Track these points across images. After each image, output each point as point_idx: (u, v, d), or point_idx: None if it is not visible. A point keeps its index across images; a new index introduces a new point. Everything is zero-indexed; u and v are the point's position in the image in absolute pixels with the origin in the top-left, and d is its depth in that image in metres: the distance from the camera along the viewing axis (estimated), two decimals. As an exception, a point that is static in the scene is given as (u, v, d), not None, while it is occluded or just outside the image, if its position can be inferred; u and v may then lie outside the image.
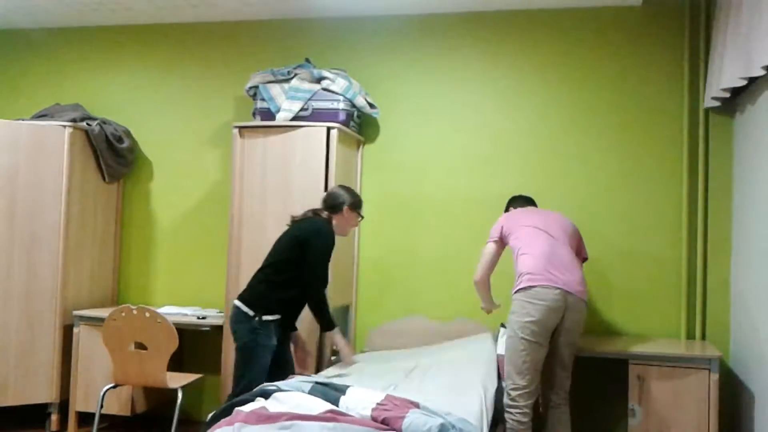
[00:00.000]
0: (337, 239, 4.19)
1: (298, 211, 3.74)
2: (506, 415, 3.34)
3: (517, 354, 3.33)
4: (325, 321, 3.55)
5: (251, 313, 3.45)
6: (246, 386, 3.27)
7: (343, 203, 3.66)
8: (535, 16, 4.42)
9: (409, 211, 4.55)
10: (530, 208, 3.82)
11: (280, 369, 3.53)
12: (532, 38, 4.42)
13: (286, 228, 3.66)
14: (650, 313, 4.16)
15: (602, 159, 4.28)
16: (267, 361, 3.45)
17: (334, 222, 3.65)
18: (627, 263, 4.20)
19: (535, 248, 3.45)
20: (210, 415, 2.74)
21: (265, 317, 3.45)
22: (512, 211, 3.84)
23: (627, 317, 4.18)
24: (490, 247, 3.66)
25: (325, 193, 3.80)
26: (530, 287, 3.34)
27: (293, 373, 3.59)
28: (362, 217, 3.79)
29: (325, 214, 3.66)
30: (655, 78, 4.23)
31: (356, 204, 3.72)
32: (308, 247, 3.48)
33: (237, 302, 3.53)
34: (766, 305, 3.29)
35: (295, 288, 3.51)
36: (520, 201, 3.93)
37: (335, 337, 3.63)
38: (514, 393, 3.33)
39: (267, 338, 3.45)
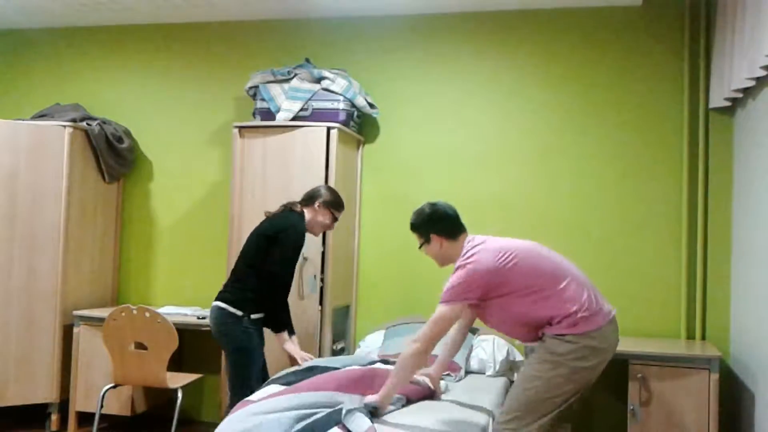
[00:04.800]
0: (334, 240, 4.17)
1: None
2: None
3: (551, 392, 2.67)
4: (280, 323, 3.42)
5: (239, 313, 3.32)
6: (248, 389, 3.20)
7: (317, 197, 3.52)
8: (534, 16, 4.42)
9: (409, 211, 4.51)
10: (495, 237, 2.88)
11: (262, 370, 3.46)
12: (532, 38, 4.42)
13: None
14: (650, 313, 4.16)
15: (602, 159, 4.28)
16: (262, 360, 3.40)
17: (307, 216, 3.51)
18: (627, 263, 4.20)
19: (567, 271, 2.76)
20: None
21: (254, 316, 3.36)
22: (478, 241, 2.84)
23: (627, 317, 4.18)
24: (456, 312, 2.74)
25: None
26: (598, 328, 2.69)
27: (267, 374, 3.49)
28: (335, 219, 3.57)
29: (298, 207, 3.52)
30: (655, 78, 4.23)
31: (330, 203, 3.53)
32: (276, 245, 3.35)
33: (220, 304, 3.36)
34: (766, 305, 3.29)
35: (266, 285, 3.37)
36: (460, 222, 2.97)
37: (285, 344, 3.43)
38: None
39: (259, 337, 3.39)
